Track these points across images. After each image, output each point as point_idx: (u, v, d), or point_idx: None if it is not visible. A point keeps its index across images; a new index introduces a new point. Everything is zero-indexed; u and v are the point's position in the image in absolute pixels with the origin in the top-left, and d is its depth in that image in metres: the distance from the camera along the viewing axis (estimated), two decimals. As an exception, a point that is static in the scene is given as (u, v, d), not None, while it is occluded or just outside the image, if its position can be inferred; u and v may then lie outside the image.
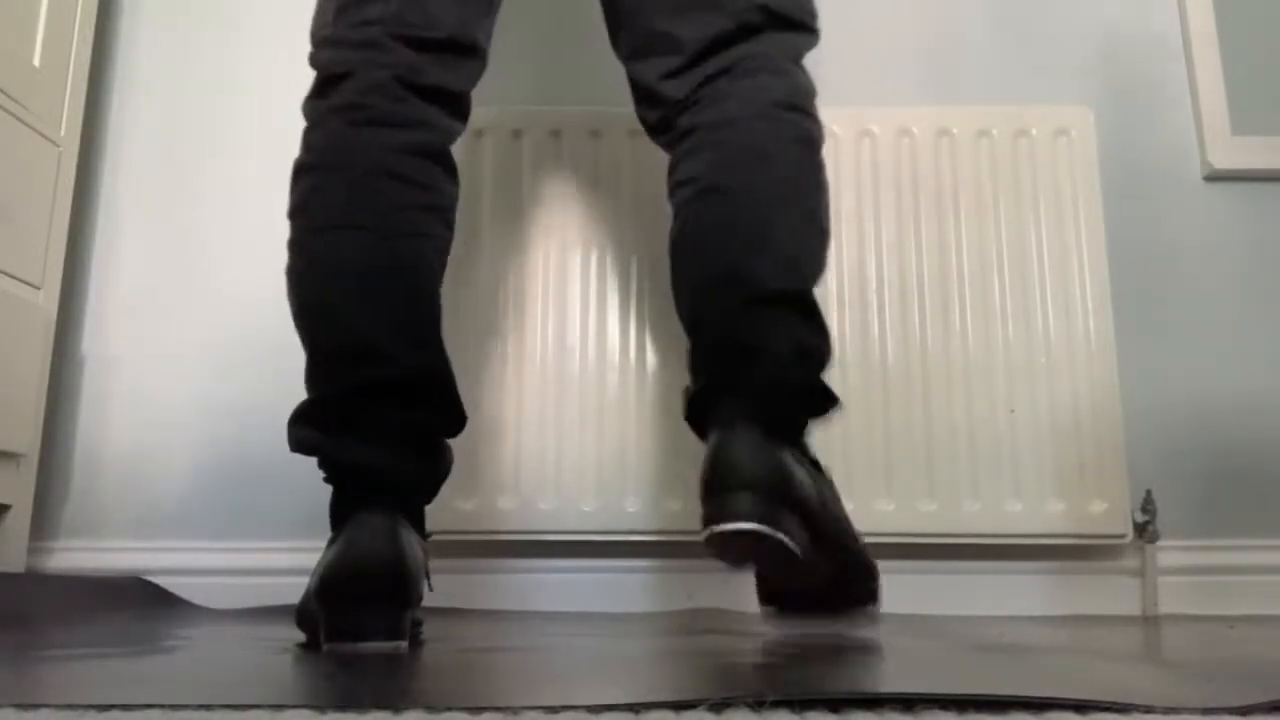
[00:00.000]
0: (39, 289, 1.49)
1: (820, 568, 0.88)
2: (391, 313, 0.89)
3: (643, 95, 1.03)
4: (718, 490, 0.83)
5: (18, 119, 1.43)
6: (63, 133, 1.54)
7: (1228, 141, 1.67)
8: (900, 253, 1.56)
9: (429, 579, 0.90)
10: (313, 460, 0.89)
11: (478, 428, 1.50)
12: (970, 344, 1.52)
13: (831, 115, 1.61)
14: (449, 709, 0.42)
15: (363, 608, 0.80)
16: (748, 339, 0.89)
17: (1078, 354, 1.52)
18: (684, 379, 0.94)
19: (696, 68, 0.97)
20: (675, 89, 0.98)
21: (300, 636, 0.91)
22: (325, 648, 0.80)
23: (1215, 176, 1.68)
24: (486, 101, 1.69)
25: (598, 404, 1.51)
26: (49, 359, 1.51)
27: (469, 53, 1.00)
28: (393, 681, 0.55)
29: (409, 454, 0.88)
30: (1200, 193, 1.68)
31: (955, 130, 1.60)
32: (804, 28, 1.02)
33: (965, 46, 1.74)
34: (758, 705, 0.43)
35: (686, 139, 0.97)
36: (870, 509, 1.47)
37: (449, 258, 0.98)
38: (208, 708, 0.43)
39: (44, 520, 1.56)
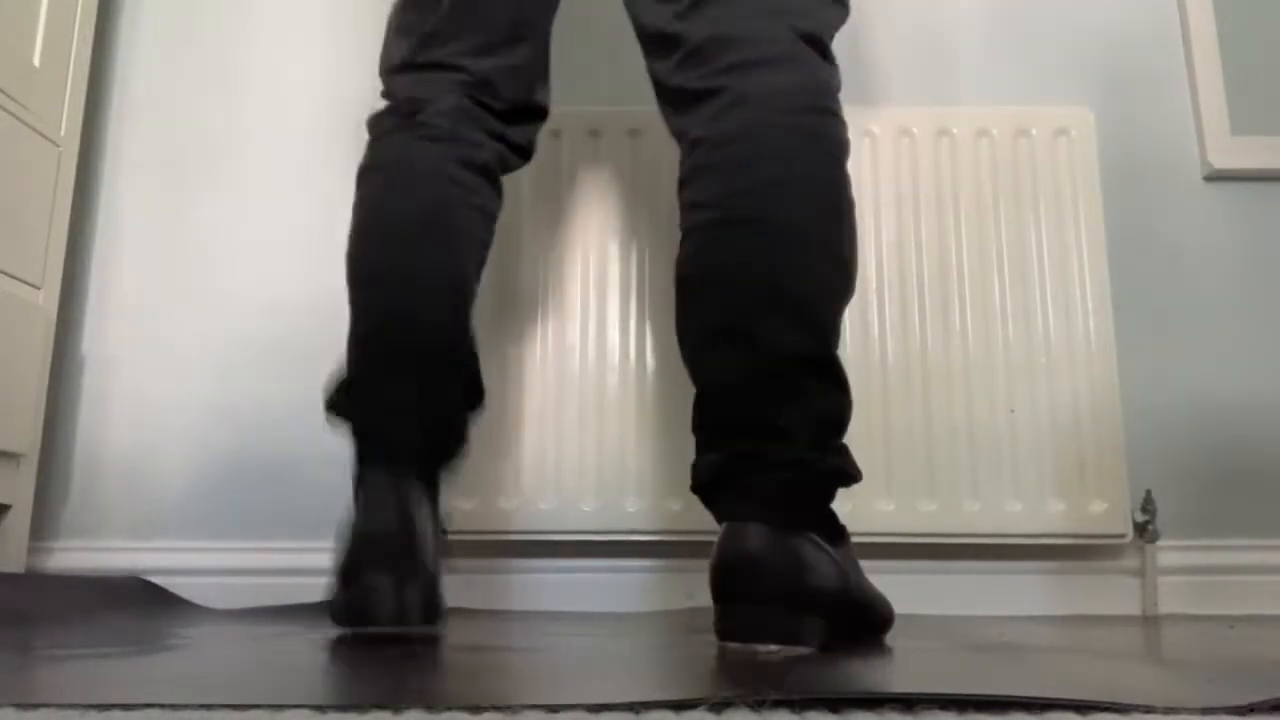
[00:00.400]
0: (39, 289, 1.49)
1: (835, 639, 0.85)
2: (427, 292, 0.96)
3: (658, 89, 0.99)
4: (733, 600, 0.80)
5: (18, 119, 1.43)
6: (63, 133, 1.54)
7: (1228, 141, 1.67)
8: (900, 253, 1.56)
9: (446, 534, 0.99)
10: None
11: (478, 427, 1.50)
12: (970, 344, 1.52)
13: (831, 115, 1.62)
14: (449, 709, 0.42)
15: (370, 574, 0.87)
16: (760, 417, 0.83)
17: (1078, 354, 1.52)
18: (685, 379, 0.92)
19: (702, 51, 0.92)
20: (683, 78, 0.94)
21: (299, 633, 0.91)
22: (340, 616, 0.88)
23: (1215, 176, 1.68)
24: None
25: (597, 404, 1.51)
26: (49, 359, 1.51)
27: (534, 116, 1.09)
28: (393, 681, 0.55)
29: (426, 421, 0.94)
30: (1200, 192, 1.68)
31: (955, 130, 1.60)
32: (801, 11, 0.93)
33: (965, 47, 1.74)
34: (758, 705, 0.43)
35: (696, 150, 0.91)
36: (870, 509, 1.47)
37: (487, 256, 1.05)
38: (208, 708, 0.43)
39: (44, 520, 1.56)
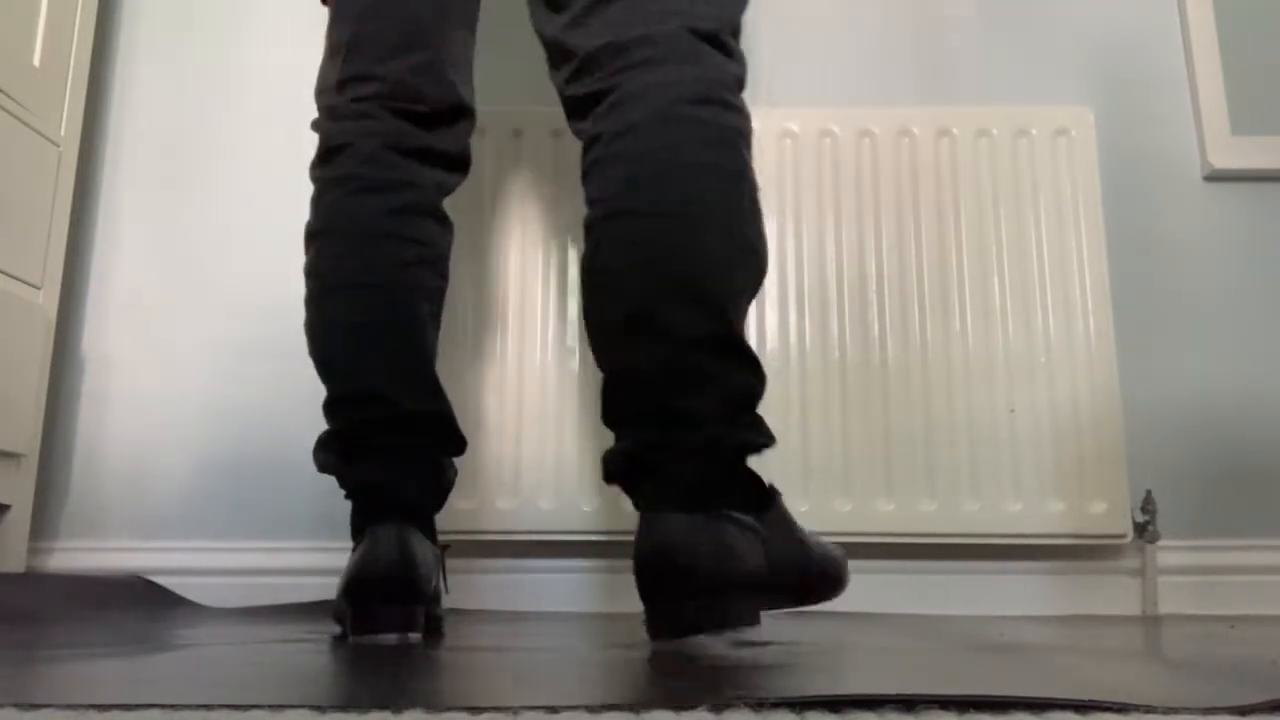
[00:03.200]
0: (39, 289, 1.49)
1: (776, 605, 0.87)
2: (389, 362, 0.98)
3: (564, 103, 1.00)
4: (655, 594, 0.81)
5: (18, 119, 1.43)
6: (63, 133, 1.54)
7: (1228, 141, 1.68)
8: (900, 253, 1.56)
9: (445, 579, 1.05)
10: (309, 462, 1.00)
11: (478, 428, 1.50)
12: (970, 344, 1.52)
13: (831, 115, 1.62)
14: (449, 709, 0.42)
15: (378, 605, 0.91)
16: (665, 403, 0.83)
17: (1078, 354, 1.52)
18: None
19: (593, 58, 0.93)
20: (585, 86, 0.95)
21: (299, 633, 0.91)
22: (351, 639, 0.91)
23: (1215, 176, 1.68)
24: (486, 102, 1.69)
25: (597, 404, 1.51)
26: (49, 359, 1.51)
27: (457, 114, 1.07)
28: (393, 681, 0.56)
29: (412, 474, 0.97)
30: (1200, 192, 1.68)
31: (955, 130, 1.60)
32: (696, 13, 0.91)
33: (965, 47, 1.74)
34: (758, 705, 0.43)
35: (592, 147, 0.93)
36: (870, 509, 1.47)
37: (443, 298, 1.07)
38: (208, 707, 0.43)
39: (44, 520, 1.56)
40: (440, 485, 1.01)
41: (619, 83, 0.91)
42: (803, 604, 0.90)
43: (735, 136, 0.90)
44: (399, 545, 0.92)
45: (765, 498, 0.87)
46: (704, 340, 0.83)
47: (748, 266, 0.88)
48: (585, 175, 0.94)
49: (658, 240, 0.85)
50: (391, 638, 0.91)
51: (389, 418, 0.97)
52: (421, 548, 0.94)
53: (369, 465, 0.97)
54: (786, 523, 0.88)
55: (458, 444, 1.03)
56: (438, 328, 1.05)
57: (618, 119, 0.90)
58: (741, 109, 0.91)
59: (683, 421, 0.83)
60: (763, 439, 0.86)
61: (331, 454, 0.99)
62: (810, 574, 0.89)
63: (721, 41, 0.93)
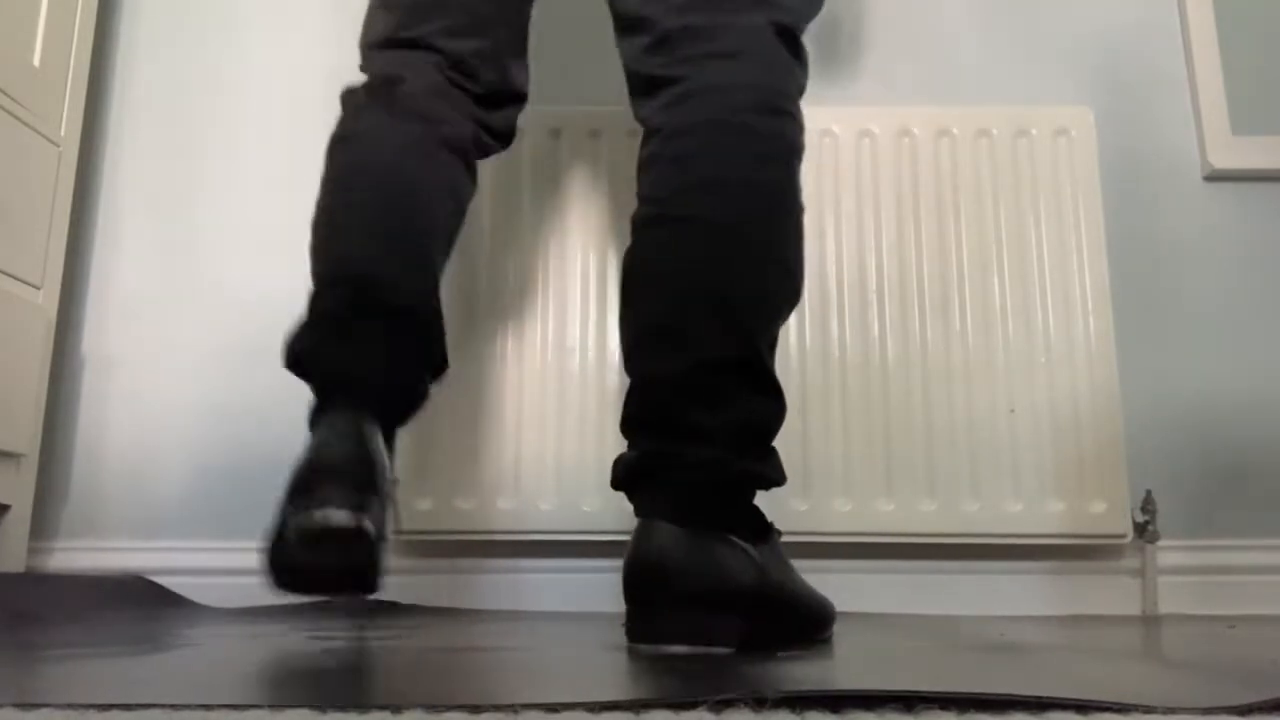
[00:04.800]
0: (39, 289, 1.49)
1: (761, 637, 0.82)
2: (402, 258, 0.91)
3: (627, 74, 0.99)
4: (642, 602, 0.80)
5: (18, 119, 1.43)
6: (63, 133, 1.54)
7: (1228, 141, 1.68)
8: (900, 253, 1.56)
9: (398, 512, 0.95)
10: None
11: (478, 428, 1.50)
12: (970, 344, 1.52)
13: (831, 115, 1.62)
14: (449, 709, 0.42)
15: (324, 485, 0.81)
16: (679, 418, 0.82)
17: (1078, 354, 1.52)
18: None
19: (671, 37, 0.92)
20: (650, 63, 0.93)
21: (299, 633, 0.91)
22: (292, 526, 0.80)
23: (1215, 176, 1.68)
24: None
25: (598, 404, 1.51)
26: (49, 359, 1.51)
27: (513, 98, 1.05)
28: (393, 681, 0.56)
29: (385, 370, 0.89)
30: (1200, 192, 1.68)
31: (955, 130, 1.60)
32: (781, 6, 0.93)
33: (965, 46, 1.74)
34: (758, 705, 0.43)
35: (651, 140, 0.92)
36: (870, 509, 1.47)
37: (454, 245, 1.01)
38: (208, 707, 0.43)
39: (44, 520, 1.56)
40: (413, 394, 0.92)
41: (688, 74, 0.90)
42: (784, 643, 0.84)
43: (790, 154, 0.90)
44: (354, 435, 0.83)
45: (765, 531, 0.86)
46: (728, 361, 0.83)
47: (784, 291, 0.88)
48: (640, 168, 0.93)
49: (699, 253, 0.85)
50: (338, 516, 0.79)
51: (381, 303, 0.89)
52: (378, 445, 0.85)
53: (344, 348, 0.88)
54: (781, 559, 0.88)
55: (441, 361, 0.95)
56: (447, 258, 0.98)
57: (681, 116, 0.89)
58: (799, 120, 0.92)
59: (692, 436, 0.82)
60: (772, 473, 0.86)
61: (304, 341, 0.89)
62: (798, 610, 0.88)
63: (796, 39, 0.94)
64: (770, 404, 0.86)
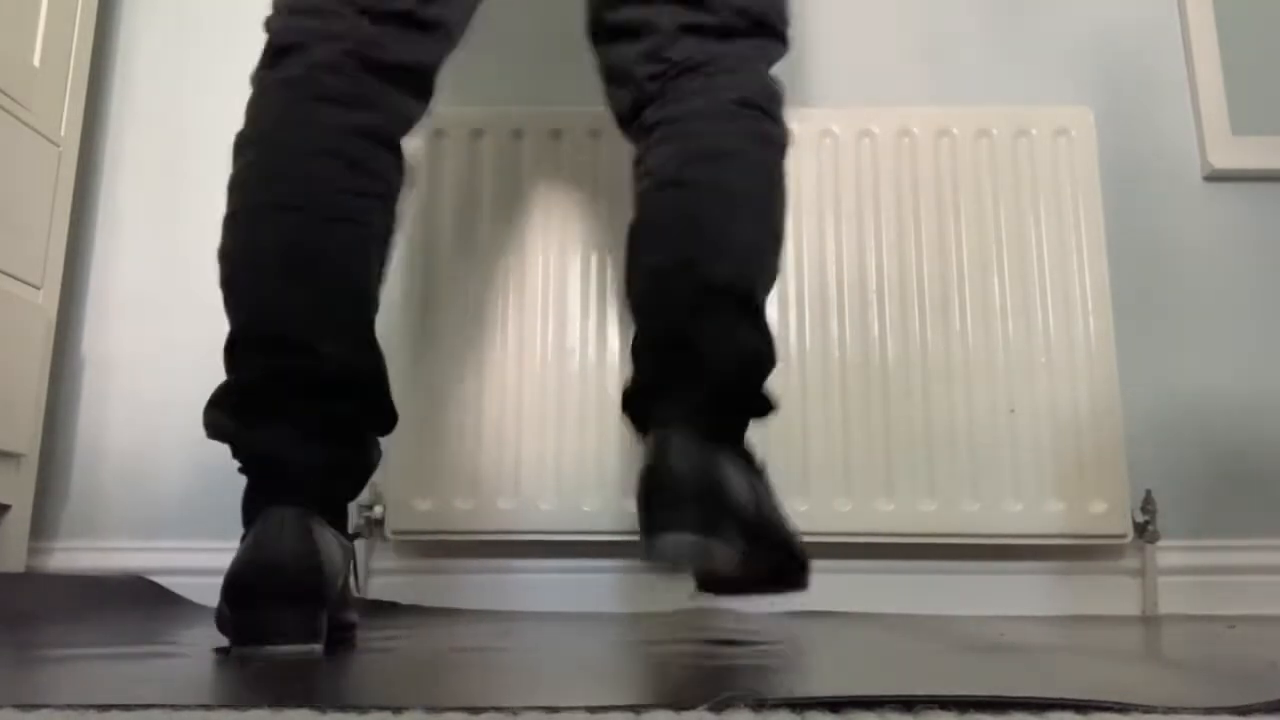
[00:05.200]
0: (39, 289, 1.49)
1: (754, 564, 0.86)
2: (314, 302, 0.84)
3: (615, 75, 1.01)
4: (656, 501, 0.83)
5: (18, 119, 1.43)
6: (63, 133, 1.54)
7: (1228, 141, 1.67)
8: (900, 253, 1.56)
9: (357, 579, 0.92)
10: None
11: (478, 428, 1.50)
12: (970, 344, 1.52)
13: (831, 115, 1.62)
14: (449, 709, 0.42)
15: (271, 607, 0.76)
16: (690, 335, 0.88)
17: (1078, 354, 1.52)
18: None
19: (674, 47, 0.96)
20: (650, 68, 0.97)
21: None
22: (234, 652, 0.77)
23: (1215, 176, 1.68)
24: (488, 102, 1.69)
25: (598, 404, 1.51)
26: (49, 359, 1.51)
27: (432, 29, 0.94)
28: (393, 682, 0.55)
29: (325, 447, 0.82)
30: (1200, 193, 1.68)
31: (955, 130, 1.60)
32: (777, 35, 1.02)
33: (965, 46, 1.74)
34: (758, 705, 0.43)
35: (653, 133, 0.96)
36: (870, 509, 1.47)
37: (391, 251, 0.94)
38: (207, 707, 0.43)
39: (44, 520, 1.56)
40: (361, 467, 0.87)
41: (687, 83, 0.95)
42: (772, 582, 0.91)
43: (783, 146, 0.97)
44: (299, 533, 0.77)
45: (759, 464, 0.92)
46: (731, 291, 0.89)
47: (774, 251, 0.95)
48: (641, 158, 0.97)
49: (704, 209, 0.91)
50: (285, 649, 0.75)
51: (307, 371, 0.81)
52: (326, 540, 0.79)
53: (272, 430, 0.81)
54: (772, 492, 0.92)
55: (387, 418, 0.89)
56: (382, 277, 0.91)
57: (681, 109, 0.95)
58: (784, 124, 0.98)
59: (698, 352, 0.87)
60: (770, 402, 0.92)
61: (226, 414, 0.83)
62: (788, 543, 0.92)
63: (771, 68, 1.01)
64: (767, 343, 0.91)
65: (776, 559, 0.91)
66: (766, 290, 0.93)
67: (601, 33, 1.03)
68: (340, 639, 0.85)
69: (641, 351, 0.92)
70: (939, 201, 1.58)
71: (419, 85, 0.95)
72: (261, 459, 0.82)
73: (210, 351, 1.63)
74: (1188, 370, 1.61)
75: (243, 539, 0.80)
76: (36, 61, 1.48)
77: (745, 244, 0.91)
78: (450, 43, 0.97)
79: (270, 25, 0.91)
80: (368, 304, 0.88)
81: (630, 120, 1.01)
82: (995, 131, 1.60)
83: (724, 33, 0.97)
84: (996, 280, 1.55)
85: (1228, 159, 1.67)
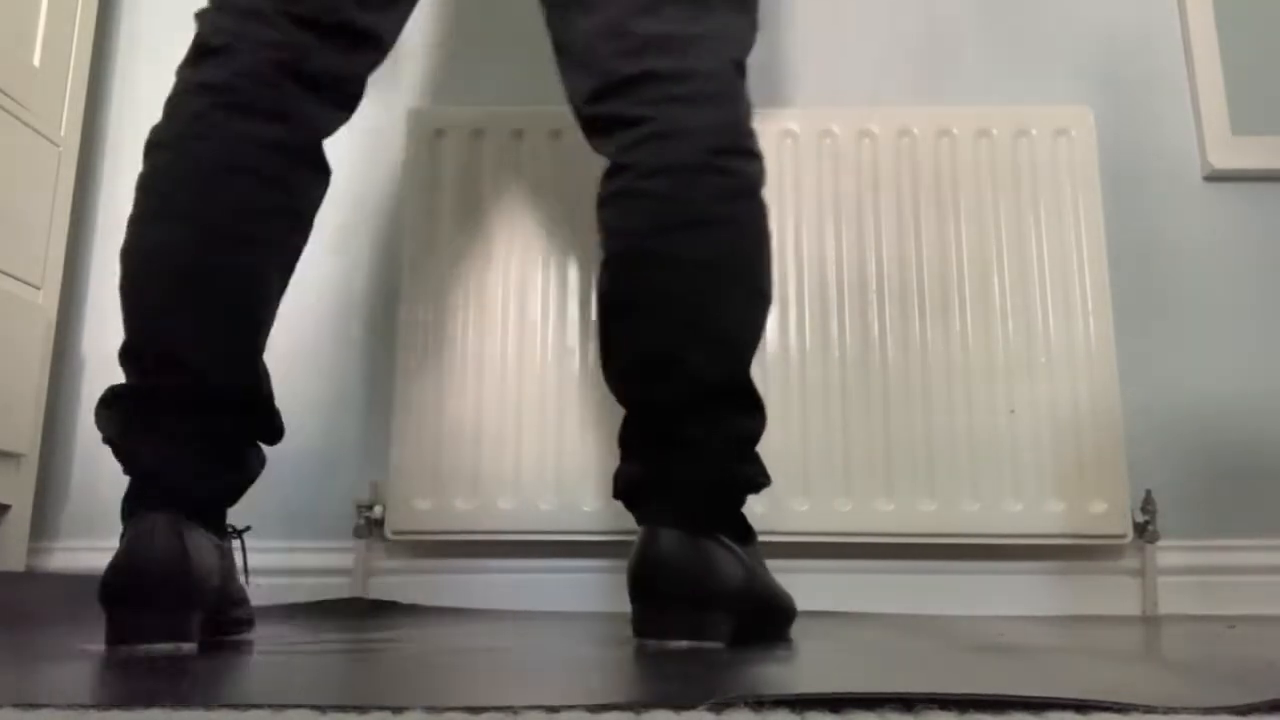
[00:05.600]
0: (39, 289, 1.49)
1: (743, 635, 0.88)
2: (201, 322, 0.83)
3: (571, 54, 0.95)
4: (647, 602, 0.85)
5: (18, 119, 1.43)
6: (63, 133, 1.54)
7: (1228, 141, 1.68)
8: (900, 253, 1.56)
9: (246, 575, 0.94)
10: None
11: (478, 428, 1.50)
12: (970, 344, 1.52)
13: (832, 115, 1.62)
14: (449, 709, 0.42)
15: (141, 609, 0.79)
16: (682, 433, 0.87)
17: (1078, 354, 1.52)
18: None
19: (640, 20, 0.90)
20: (613, 45, 0.91)
21: (298, 633, 0.90)
22: (107, 651, 0.78)
23: (1215, 176, 1.68)
24: (487, 102, 1.70)
25: (598, 405, 1.51)
26: (49, 359, 1.51)
27: (365, 42, 0.93)
28: (393, 681, 0.55)
29: (200, 460, 0.83)
30: (1200, 193, 1.68)
31: (955, 130, 1.60)
32: (737, 40, 0.95)
33: (965, 46, 1.74)
34: (758, 705, 0.43)
35: (618, 176, 0.92)
36: (870, 509, 1.47)
37: (295, 264, 0.93)
38: (208, 707, 0.43)
39: (44, 520, 1.56)
40: (237, 478, 0.87)
41: (653, 114, 0.90)
42: (762, 638, 0.91)
43: (757, 188, 0.93)
44: (169, 538, 0.78)
45: (748, 533, 0.93)
46: (721, 386, 0.88)
47: (762, 315, 0.93)
48: (605, 200, 0.93)
49: (684, 290, 0.88)
50: (154, 648, 0.77)
51: (184, 390, 0.82)
52: (198, 542, 0.80)
53: (146, 443, 0.82)
54: (759, 558, 0.95)
55: (271, 433, 0.91)
56: (281, 293, 0.90)
57: (650, 157, 0.90)
58: (760, 153, 0.94)
59: (689, 451, 0.88)
60: (762, 478, 0.92)
61: (110, 419, 0.84)
62: (774, 608, 0.96)
63: (745, 69, 0.96)
64: (756, 417, 0.91)
65: (764, 624, 0.94)
66: (754, 352, 0.91)
67: (556, 55, 0.98)
68: (232, 635, 0.90)
69: (630, 440, 0.91)
70: (939, 201, 1.58)
71: (345, 96, 0.94)
72: (137, 463, 0.83)
73: (210, 351, 1.64)
74: (1188, 370, 1.61)
75: (120, 538, 0.81)
76: (36, 61, 1.48)
77: (736, 324, 0.90)
78: (381, 53, 0.96)
79: (201, 19, 0.90)
80: (257, 326, 0.88)
81: (589, 111, 0.95)
82: (995, 131, 1.60)
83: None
84: (996, 280, 1.55)
85: (1228, 159, 1.67)
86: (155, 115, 1.82)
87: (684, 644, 0.82)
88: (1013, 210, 1.57)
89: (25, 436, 1.44)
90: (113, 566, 0.80)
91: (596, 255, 1.56)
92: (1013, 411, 1.50)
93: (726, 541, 0.87)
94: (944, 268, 1.55)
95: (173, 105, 0.89)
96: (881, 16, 1.76)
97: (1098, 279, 1.54)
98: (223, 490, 0.87)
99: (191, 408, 0.83)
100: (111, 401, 0.84)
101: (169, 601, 0.79)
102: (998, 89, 1.71)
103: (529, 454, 1.49)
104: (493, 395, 1.52)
